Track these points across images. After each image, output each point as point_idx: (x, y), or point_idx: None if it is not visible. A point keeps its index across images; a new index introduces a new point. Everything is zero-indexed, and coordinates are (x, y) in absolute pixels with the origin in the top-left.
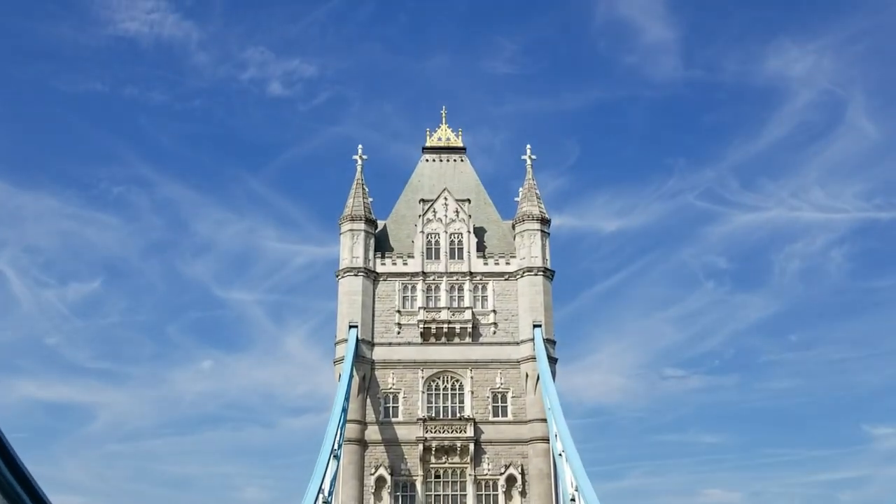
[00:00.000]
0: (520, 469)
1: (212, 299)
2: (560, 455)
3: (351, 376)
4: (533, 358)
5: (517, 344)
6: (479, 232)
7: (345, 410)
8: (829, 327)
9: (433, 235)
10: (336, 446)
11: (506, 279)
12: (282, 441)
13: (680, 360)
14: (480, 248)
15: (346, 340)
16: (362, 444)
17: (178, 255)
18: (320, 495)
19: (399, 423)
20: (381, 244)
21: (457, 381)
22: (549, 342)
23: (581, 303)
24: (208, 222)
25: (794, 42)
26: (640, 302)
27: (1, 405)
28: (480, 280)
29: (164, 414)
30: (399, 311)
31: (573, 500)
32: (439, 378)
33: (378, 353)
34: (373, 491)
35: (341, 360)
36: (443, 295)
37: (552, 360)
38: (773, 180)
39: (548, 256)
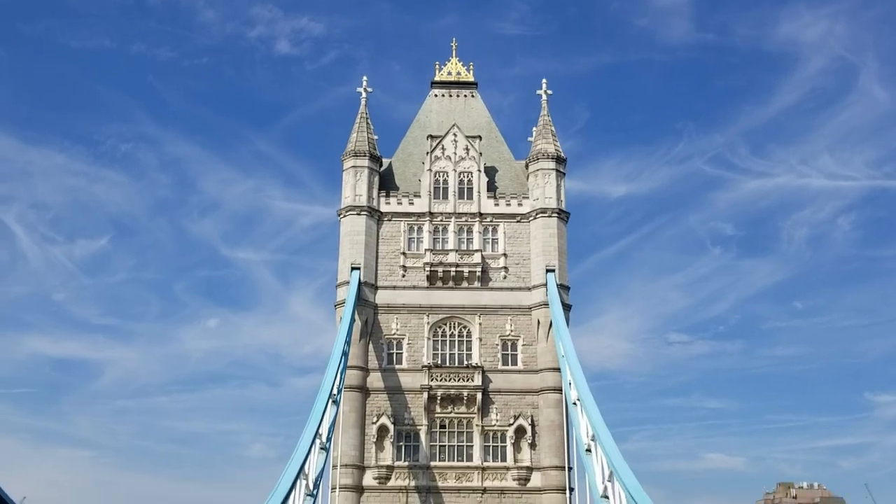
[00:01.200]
0: (529, 420)
1: (219, 258)
2: (575, 404)
3: (352, 320)
4: (545, 304)
5: (529, 290)
6: (490, 171)
7: (345, 354)
8: (834, 295)
9: (441, 174)
10: (335, 391)
11: (518, 221)
12: (288, 400)
13: (685, 326)
14: (491, 188)
15: (347, 283)
16: (364, 391)
17: (186, 214)
18: (318, 440)
19: (403, 370)
20: (387, 183)
21: (464, 327)
22: (563, 288)
23: (587, 267)
24: (215, 181)
25: (808, 6)
26: (647, 267)
27: (10, 360)
28: (491, 222)
29: (171, 371)
30: (404, 254)
31: (589, 450)
32: (446, 324)
33: (381, 297)
34: (374, 440)
35: (342, 303)
36: (451, 237)
37: (566, 307)
38: (783, 147)
39: (563, 197)
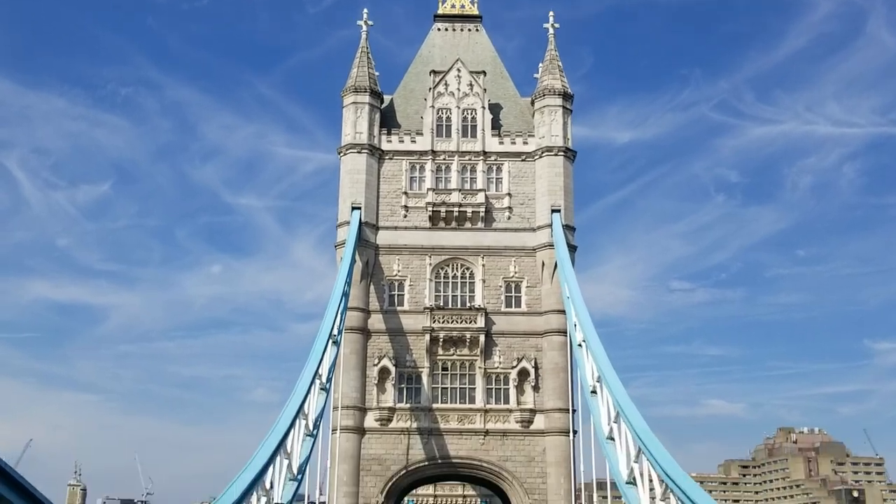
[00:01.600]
0: (533, 362)
1: (221, 204)
2: (580, 345)
3: (353, 261)
4: (550, 245)
5: (533, 230)
6: (495, 108)
7: (346, 295)
8: (838, 243)
9: (444, 111)
10: (335, 332)
11: (523, 160)
12: (290, 345)
13: (687, 274)
14: (496, 125)
15: (347, 223)
16: (365, 332)
17: (187, 160)
18: (317, 380)
19: (404, 311)
20: (388, 121)
21: (467, 269)
22: (569, 229)
23: (591, 214)
24: (216, 126)
25: None
26: (650, 215)
27: (14, 305)
28: (495, 160)
29: (174, 317)
30: (406, 193)
31: (594, 392)
32: (448, 265)
33: (382, 238)
34: (376, 382)
35: (342, 243)
36: (453, 176)
37: (571, 249)
38: (789, 93)
39: (570, 135)
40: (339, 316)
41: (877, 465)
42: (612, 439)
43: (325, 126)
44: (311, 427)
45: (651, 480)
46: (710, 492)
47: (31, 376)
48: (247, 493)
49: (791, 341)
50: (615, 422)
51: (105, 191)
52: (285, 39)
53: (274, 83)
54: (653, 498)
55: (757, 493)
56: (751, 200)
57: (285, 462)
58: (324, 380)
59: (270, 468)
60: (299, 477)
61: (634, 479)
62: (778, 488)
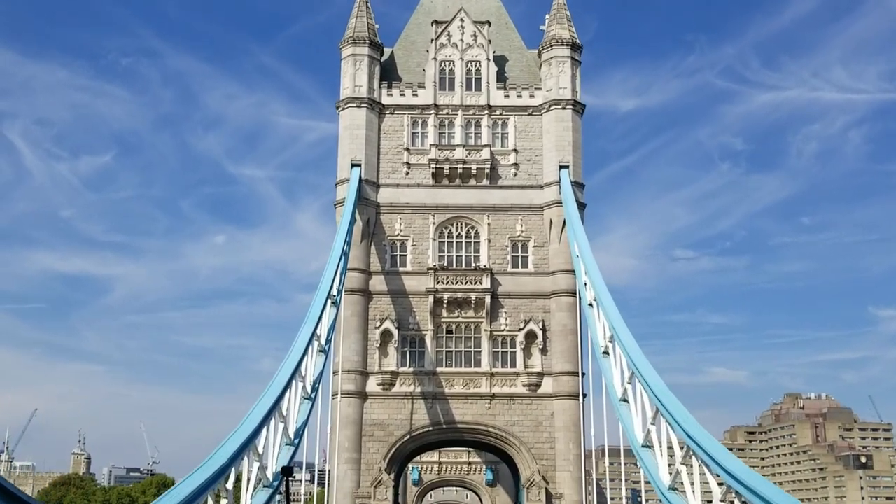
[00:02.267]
0: (540, 324)
1: (224, 175)
2: (591, 305)
3: (353, 220)
4: (558, 202)
5: (541, 187)
6: (500, 61)
7: (345, 255)
8: (842, 210)
9: (447, 63)
10: (335, 292)
11: (529, 114)
12: (295, 315)
13: (691, 242)
14: (501, 78)
15: (347, 181)
16: (366, 294)
17: (189, 130)
18: (315, 341)
19: (407, 273)
20: (389, 74)
21: (472, 228)
22: (578, 185)
23: (594, 182)
24: (218, 96)
25: None
26: (654, 183)
27: (20, 276)
28: (500, 115)
29: (179, 287)
30: (408, 149)
31: (606, 352)
32: (452, 224)
33: (384, 196)
34: (378, 346)
35: (342, 202)
36: (457, 131)
37: (580, 206)
38: (795, 59)
39: (578, 88)
40: (338, 276)
41: (884, 430)
42: (626, 401)
43: (327, 95)
44: (308, 390)
45: (669, 444)
46: None
47: (37, 347)
48: (237, 456)
49: (794, 309)
50: (629, 383)
51: (107, 161)
52: (286, 7)
53: (275, 52)
54: (671, 463)
55: (763, 458)
56: (755, 168)
57: (280, 426)
58: (322, 342)
59: (264, 431)
60: (296, 441)
61: (650, 442)
62: (785, 454)
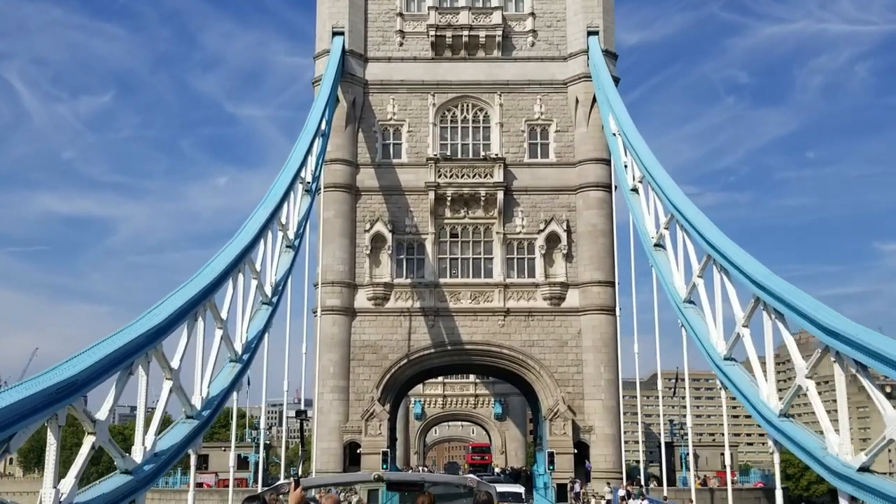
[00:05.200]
0: (564, 225)
1: (224, 115)
2: (634, 190)
3: (334, 96)
4: (586, 77)
5: (564, 59)
6: None
7: (324, 136)
8: (847, 144)
9: None
10: (309, 178)
11: None
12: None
13: (694, 177)
14: None
15: (327, 52)
16: (353, 191)
17: (188, 69)
18: (277, 231)
19: (403, 165)
20: None
21: (480, 109)
22: (609, 56)
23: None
24: (216, 35)
25: None
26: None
27: (22, 219)
28: None
29: (182, 228)
30: (401, 15)
31: (659, 245)
32: (456, 106)
33: (373, 72)
34: (368, 253)
35: (320, 79)
36: None
37: (615, 81)
38: None
39: None
40: (312, 158)
41: None
42: (692, 302)
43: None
44: (269, 295)
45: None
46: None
47: (42, 289)
48: (187, 312)
49: (798, 244)
50: (700, 276)
51: (106, 101)
52: None
53: None
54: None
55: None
56: (760, 102)
57: (253, 282)
58: (291, 235)
59: (229, 283)
60: (274, 300)
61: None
62: None
